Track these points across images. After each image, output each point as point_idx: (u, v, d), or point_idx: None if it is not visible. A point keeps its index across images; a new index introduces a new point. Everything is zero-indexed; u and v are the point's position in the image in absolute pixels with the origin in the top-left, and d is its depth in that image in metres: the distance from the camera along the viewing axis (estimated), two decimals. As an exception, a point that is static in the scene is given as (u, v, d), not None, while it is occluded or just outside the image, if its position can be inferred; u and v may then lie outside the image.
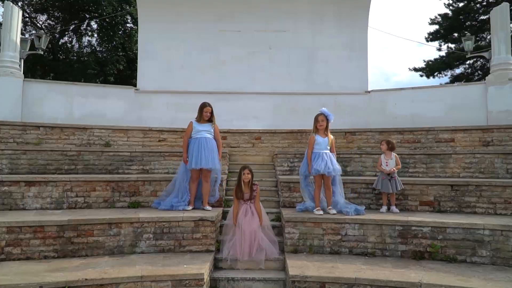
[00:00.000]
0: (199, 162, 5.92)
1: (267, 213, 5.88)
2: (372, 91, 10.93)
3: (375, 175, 6.84)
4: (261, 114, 10.49)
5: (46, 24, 23.41)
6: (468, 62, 24.33)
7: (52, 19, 23.60)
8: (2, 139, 8.30)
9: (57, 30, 22.82)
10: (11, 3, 10.31)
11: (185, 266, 4.59)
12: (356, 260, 4.99)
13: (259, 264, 5.12)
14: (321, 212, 5.63)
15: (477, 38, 21.90)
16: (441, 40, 25.38)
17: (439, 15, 25.00)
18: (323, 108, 6.01)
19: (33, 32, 19.95)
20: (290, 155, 7.92)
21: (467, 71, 24.88)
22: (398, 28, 62.80)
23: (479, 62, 24.09)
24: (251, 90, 10.65)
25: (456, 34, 24.13)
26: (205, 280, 4.40)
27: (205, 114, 6.18)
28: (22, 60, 10.85)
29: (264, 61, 11.02)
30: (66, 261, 4.74)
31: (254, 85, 10.74)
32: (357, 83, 10.89)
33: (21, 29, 10.78)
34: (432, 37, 25.31)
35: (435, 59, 25.16)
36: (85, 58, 22.83)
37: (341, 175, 6.09)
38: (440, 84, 22.11)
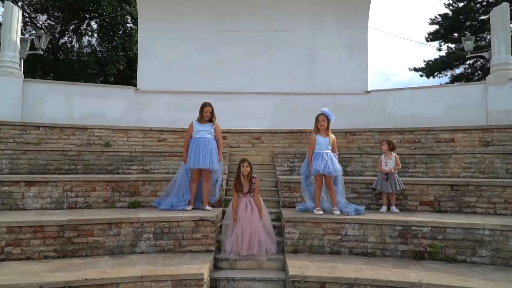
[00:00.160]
0: (197, 162, 5.93)
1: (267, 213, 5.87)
2: (372, 91, 10.93)
3: (375, 175, 6.84)
4: (261, 114, 10.49)
5: (46, 24, 23.42)
6: (468, 62, 24.34)
7: (52, 19, 23.60)
8: (2, 139, 8.30)
9: (57, 30, 22.82)
10: (11, 3, 10.31)
11: (185, 266, 4.59)
12: (356, 260, 4.99)
13: (260, 258, 5.17)
14: (321, 212, 5.63)
15: (477, 38, 21.91)
16: (441, 40, 25.39)
17: (439, 15, 25.03)
18: (324, 108, 6.01)
19: (33, 32, 19.95)
20: (290, 155, 7.92)
21: (467, 71, 24.89)
22: (398, 28, 62.84)
23: (479, 62, 24.10)
24: (251, 90, 10.65)
25: (456, 34, 24.13)
26: (205, 280, 4.40)
27: (205, 114, 6.18)
28: (22, 60, 10.85)
29: (264, 61, 11.02)
30: (66, 261, 4.74)
31: (254, 85, 10.75)
32: (357, 83, 10.90)
33: (21, 29, 10.78)
34: (432, 37, 25.31)
35: (435, 59, 25.17)
36: (85, 58, 22.83)
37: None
38: (440, 84, 22.12)
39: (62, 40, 24.09)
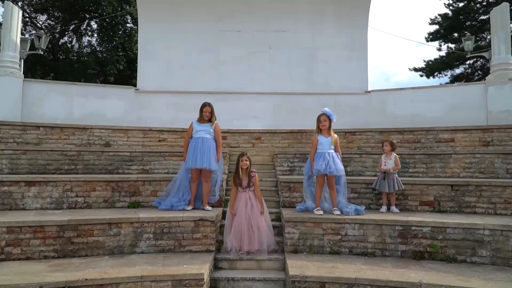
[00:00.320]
0: (195, 162, 5.94)
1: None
2: (372, 91, 10.93)
3: (375, 175, 6.84)
4: (261, 114, 10.49)
5: (46, 24, 23.42)
6: (468, 62, 24.34)
7: (52, 19, 23.60)
8: (2, 139, 8.30)
9: (57, 30, 22.81)
10: (11, 3, 10.31)
11: (185, 266, 4.59)
12: (356, 260, 4.99)
13: (262, 254, 5.20)
14: (321, 212, 5.63)
15: (477, 38, 21.90)
16: (441, 40, 25.38)
17: (439, 15, 25.03)
18: (325, 108, 6.01)
19: (33, 32, 19.97)
20: (290, 155, 7.92)
21: (467, 71, 24.89)
22: (398, 28, 62.83)
23: (479, 62, 24.09)
24: (251, 90, 10.66)
25: (456, 34, 24.13)
26: (205, 280, 4.40)
27: (204, 114, 6.19)
28: (22, 60, 10.85)
29: (264, 61, 11.02)
30: (66, 261, 4.74)
31: (254, 85, 10.75)
32: (357, 83, 10.90)
33: (21, 29, 10.78)
34: (432, 37, 25.31)
35: (435, 59, 25.17)
36: (85, 58, 22.82)
37: (341, 175, 6.08)
38: (440, 84, 22.12)
39: (62, 40, 24.09)
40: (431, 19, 25.44)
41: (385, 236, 5.23)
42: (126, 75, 24.03)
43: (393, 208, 6.01)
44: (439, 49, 25.53)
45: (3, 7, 11.91)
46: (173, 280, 4.28)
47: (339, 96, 10.59)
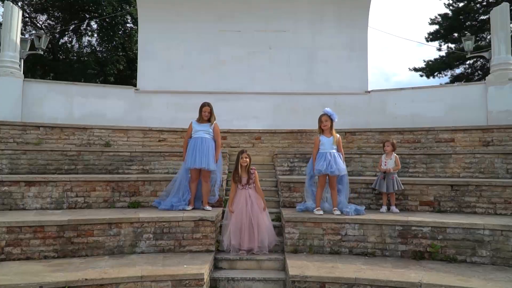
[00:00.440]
0: (193, 162, 5.94)
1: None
2: (372, 91, 10.93)
3: (375, 175, 6.84)
4: (261, 114, 10.49)
5: (46, 24, 23.42)
6: (468, 62, 24.34)
7: (52, 19, 23.60)
8: (2, 139, 8.30)
9: (57, 30, 22.81)
10: (11, 3, 10.31)
11: (185, 266, 4.59)
12: (356, 260, 4.99)
13: (263, 251, 5.24)
14: (321, 212, 5.63)
15: (477, 38, 21.90)
16: (441, 40, 25.38)
17: (439, 15, 25.02)
18: (327, 108, 6.01)
19: (33, 32, 19.97)
20: (290, 155, 7.92)
21: (467, 71, 24.89)
22: (398, 28, 62.83)
23: (479, 62, 24.09)
24: (251, 90, 10.65)
25: (456, 34, 24.13)
26: (205, 280, 4.40)
27: (203, 114, 6.19)
28: (22, 60, 10.85)
29: (264, 61, 11.02)
30: (66, 261, 4.74)
31: (254, 85, 10.75)
32: (357, 83, 10.90)
33: (21, 29, 10.78)
34: (432, 37, 25.31)
35: (435, 59, 25.17)
36: (85, 58, 22.82)
37: (341, 175, 6.08)
38: (440, 84, 22.11)
39: (62, 40, 24.09)
40: (431, 19, 25.46)
41: (385, 236, 5.23)
42: (126, 75, 24.03)
43: (393, 208, 6.02)
44: (439, 49, 25.57)
45: (3, 7, 11.90)
46: (173, 280, 4.28)
47: (339, 96, 10.58)
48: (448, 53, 24.25)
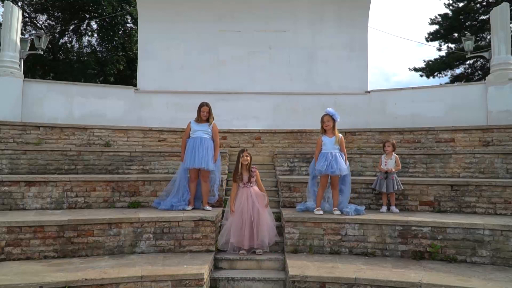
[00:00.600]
0: (192, 162, 5.94)
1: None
2: (372, 91, 10.93)
3: (375, 175, 6.84)
4: (261, 114, 10.49)
5: (46, 24, 23.42)
6: (468, 62, 24.33)
7: (52, 19, 23.59)
8: (2, 139, 8.30)
9: (57, 30, 22.81)
10: (11, 3, 10.30)
11: (185, 266, 4.59)
12: (356, 260, 5.00)
13: (264, 248, 5.26)
14: (321, 212, 5.63)
15: (477, 38, 21.90)
16: (441, 40, 25.38)
17: (439, 15, 25.02)
18: (329, 108, 6.00)
19: (33, 32, 19.97)
20: (290, 155, 7.92)
21: (467, 71, 24.88)
22: (398, 28, 62.84)
23: (479, 62, 24.09)
24: (251, 90, 10.65)
25: (456, 34, 24.13)
26: (205, 280, 4.40)
27: (202, 114, 6.19)
28: (22, 60, 10.85)
29: (264, 61, 11.01)
30: (66, 261, 4.74)
31: (254, 85, 10.75)
32: (357, 83, 10.89)
33: (21, 29, 10.78)
34: (432, 37, 25.31)
35: (435, 59, 25.16)
36: (85, 58, 22.81)
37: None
38: (440, 84, 22.11)
39: (62, 40, 24.08)
40: (431, 19, 25.45)
41: (385, 236, 5.23)
42: (126, 75, 24.03)
43: (393, 208, 6.02)
44: (439, 49, 25.57)
45: (3, 7, 11.90)
46: (173, 280, 4.28)
47: (339, 96, 10.58)
48: (448, 53, 24.25)
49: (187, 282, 4.30)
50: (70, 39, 24.50)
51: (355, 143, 9.10)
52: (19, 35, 10.17)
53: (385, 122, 10.12)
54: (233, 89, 10.65)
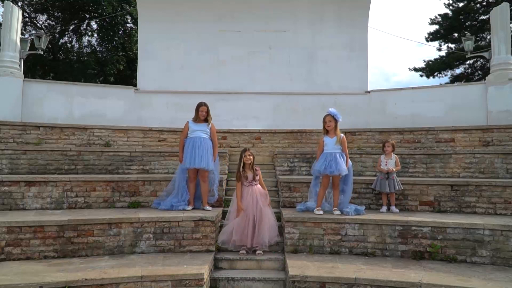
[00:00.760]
0: (193, 162, 5.93)
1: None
2: (372, 91, 10.93)
3: (375, 175, 6.84)
4: (261, 114, 10.49)
5: (46, 24, 23.41)
6: (468, 62, 24.33)
7: (52, 19, 23.59)
8: (2, 139, 8.30)
9: (57, 30, 22.81)
10: (11, 3, 10.30)
11: (185, 266, 4.59)
12: (356, 260, 5.00)
13: (263, 246, 5.27)
14: (321, 212, 5.63)
15: (477, 38, 21.90)
16: (441, 40, 25.38)
17: (439, 15, 25.01)
18: (330, 108, 5.99)
19: (33, 32, 19.97)
20: (290, 155, 7.92)
21: (467, 71, 24.88)
22: (398, 28, 62.84)
23: (479, 62, 24.09)
24: (251, 90, 10.66)
25: (456, 34, 24.13)
26: (205, 280, 4.40)
27: (200, 113, 6.18)
28: (22, 60, 10.85)
29: (264, 61, 11.02)
30: (66, 261, 4.74)
31: (254, 85, 10.75)
32: (357, 83, 10.90)
33: (21, 29, 10.78)
34: (432, 37, 25.31)
35: (435, 59, 25.16)
36: (85, 58, 22.82)
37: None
38: (440, 84, 22.11)
39: (62, 40, 24.08)
40: (431, 19, 25.45)
41: (385, 236, 5.23)
42: (126, 75, 24.03)
43: (393, 208, 6.02)
44: (439, 49, 25.57)
45: (3, 7, 11.90)
46: (173, 280, 4.28)
47: (339, 96, 10.58)
48: (448, 53, 24.25)
49: (187, 282, 4.30)
50: (70, 39, 24.51)
51: (355, 143, 9.10)
52: (19, 35, 10.17)
53: (385, 122, 10.12)
54: (233, 89, 10.65)
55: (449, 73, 25.35)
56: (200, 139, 6.06)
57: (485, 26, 22.01)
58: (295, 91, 10.79)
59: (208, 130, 6.21)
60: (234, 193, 5.73)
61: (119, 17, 22.70)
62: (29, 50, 11.85)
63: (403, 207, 6.18)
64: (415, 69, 26.21)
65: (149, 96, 10.69)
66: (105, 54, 23.95)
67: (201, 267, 4.53)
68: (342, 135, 5.93)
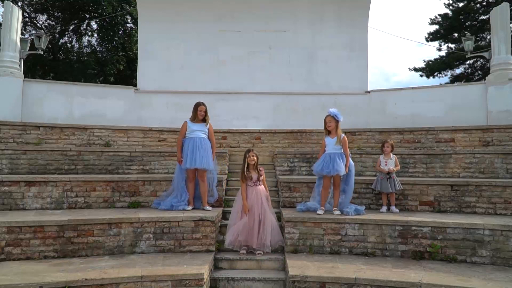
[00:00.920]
0: (194, 162, 5.92)
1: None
2: (372, 91, 10.93)
3: (375, 175, 6.84)
4: (261, 114, 10.49)
5: (46, 24, 23.41)
6: (468, 62, 24.33)
7: (52, 19, 23.59)
8: (2, 139, 8.30)
9: (57, 30, 22.81)
10: (11, 3, 10.30)
11: (185, 266, 4.59)
12: (356, 260, 5.00)
13: (266, 248, 5.26)
14: (321, 212, 5.63)
15: (477, 38, 21.90)
16: (441, 40, 25.38)
17: (439, 15, 25.01)
18: (331, 109, 5.98)
19: (33, 32, 19.96)
20: (290, 155, 7.92)
21: (467, 71, 24.88)
22: (398, 28, 62.84)
23: (479, 62, 24.09)
24: (251, 90, 10.65)
25: (456, 34, 24.13)
26: (205, 280, 4.40)
27: (199, 113, 6.17)
28: (22, 60, 10.84)
29: (264, 61, 11.01)
30: (66, 261, 4.74)
31: (254, 85, 10.74)
32: (357, 83, 10.89)
33: (21, 29, 10.78)
34: (432, 37, 25.31)
35: (435, 59, 25.16)
36: (85, 58, 22.81)
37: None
38: (440, 84, 22.10)
39: (62, 40, 24.08)
40: (431, 19, 25.45)
41: (385, 236, 5.23)
42: (126, 75, 24.03)
43: (393, 208, 6.02)
44: (439, 49, 25.57)
45: (3, 7, 11.90)
46: (173, 280, 4.28)
47: (339, 96, 10.58)
48: (448, 53, 24.25)
49: (187, 282, 4.31)
50: (70, 39, 24.51)
51: (355, 143, 9.10)
52: (19, 35, 10.17)
53: (385, 122, 10.12)
54: (233, 89, 10.65)
55: (449, 73, 25.37)
56: (200, 139, 6.06)
57: (485, 26, 22.01)
58: (295, 91, 10.79)
59: (207, 130, 6.20)
60: (238, 194, 5.72)
61: (119, 17, 22.69)
62: (29, 50, 11.84)
63: (403, 207, 6.18)
64: (415, 69, 26.21)
65: (149, 96, 10.69)
66: (105, 54, 23.95)
67: (201, 267, 4.53)
68: (343, 135, 5.92)
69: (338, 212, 5.65)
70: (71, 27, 23.62)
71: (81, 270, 4.34)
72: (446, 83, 22.56)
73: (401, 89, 10.88)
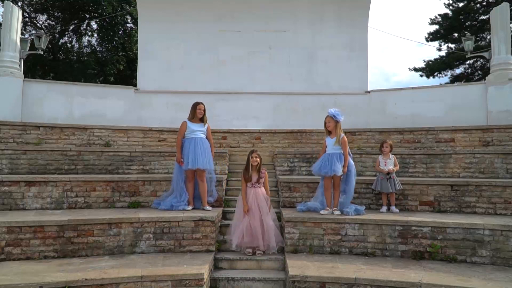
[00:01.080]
0: (195, 163, 5.91)
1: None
2: (372, 91, 10.93)
3: (375, 175, 6.83)
4: (261, 114, 10.49)
5: (46, 24, 23.41)
6: (468, 62, 24.33)
7: (52, 19, 23.59)
8: (2, 139, 8.30)
9: (57, 30, 22.81)
10: (11, 3, 10.30)
11: (185, 266, 4.59)
12: (356, 260, 5.00)
13: (272, 249, 5.29)
14: (325, 212, 5.64)
15: (477, 38, 21.90)
16: (441, 40, 25.37)
17: (439, 15, 25.01)
18: (330, 109, 5.98)
19: (33, 32, 19.95)
20: (290, 155, 7.92)
21: (467, 71, 24.88)
22: (398, 28, 62.84)
23: (479, 62, 24.09)
24: (251, 90, 10.65)
25: (456, 34, 24.12)
26: (205, 280, 4.40)
27: (198, 112, 6.16)
28: (22, 60, 10.84)
29: (264, 61, 11.01)
30: (66, 261, 4.74)
31: (254, 85, 10.75)
32: (357, 83, 10.89)
33: (21, 29, 10.77)
34: (432, 37, 25.31)
35: (435, 59, 25.16)
36: (85, 58, 22.81)
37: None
38: (440, 84, 22.10)
39: (62, 40, 24.08)
40: (431, 19, 25.45)
41: (385, 236, 5.23)
42: (126, 75, 24.03)
43: (393, 208, 6.02)
44: (439, 49, 25.57)
45: (3, 7, 11.90)
46: (173, 280, 4.28)
47: (339, 96, 10.58)
48: (448, 53, 24.25)
49: (187, 282, 4.31)
50: (70, 39, 24.51)
51: (355, 143, 9.11)
52: (19, 35, 10.17)
53: (385, 122, 10.12)
54: (233, 89, 10.65)
55: (449, 73, 25.36)
56: (200, 139, 6.06)
57: (485, 26, 22.01)
58: (295, 91, 10.79)
59: (205, 130, 6.20)
60: (240, 193, 5.73)
61: (119, 17, 22.69)
62: (29, 50, 11.84)
63: (403, 207, 6.18)
64: (415, 69, 26.21)
65: (149, 96, 10.68)
66: (105, 54, 23.95)
67: (201, 267, 4.53)
68: (343, 135, 5.91)
69: (338, 212, 5.65)
70: (71, 27, 23.62)
71: (81, 270, 4.34)
72: (446, 83, 22.56)
73: (401, 89, 10.88)
